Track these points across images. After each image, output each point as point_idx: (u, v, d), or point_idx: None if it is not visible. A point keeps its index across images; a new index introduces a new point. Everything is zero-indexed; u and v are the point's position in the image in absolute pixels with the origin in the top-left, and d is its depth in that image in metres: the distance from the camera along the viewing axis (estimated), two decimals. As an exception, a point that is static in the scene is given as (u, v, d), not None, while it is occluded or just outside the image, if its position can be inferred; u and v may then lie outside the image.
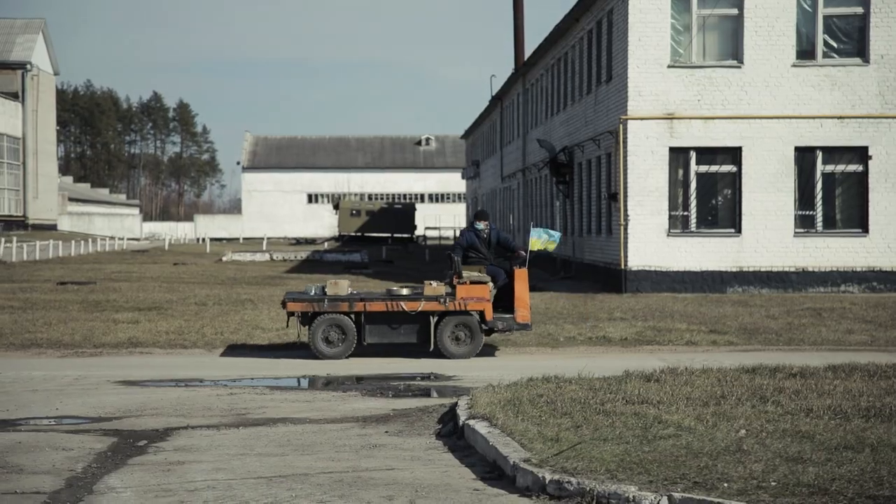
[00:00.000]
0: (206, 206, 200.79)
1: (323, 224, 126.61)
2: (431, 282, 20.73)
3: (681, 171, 34.45)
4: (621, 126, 34.39)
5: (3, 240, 66.08)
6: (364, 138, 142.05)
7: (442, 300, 20.07)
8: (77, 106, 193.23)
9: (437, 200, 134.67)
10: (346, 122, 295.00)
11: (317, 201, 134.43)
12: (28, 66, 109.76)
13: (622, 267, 34.31)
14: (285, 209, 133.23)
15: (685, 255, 34.16)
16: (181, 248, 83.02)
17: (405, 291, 20.56)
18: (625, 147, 34.29)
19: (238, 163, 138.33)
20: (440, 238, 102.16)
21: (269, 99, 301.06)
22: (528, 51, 59.73)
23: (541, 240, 20.69)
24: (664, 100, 34.06)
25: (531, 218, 55.65)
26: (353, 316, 20.13)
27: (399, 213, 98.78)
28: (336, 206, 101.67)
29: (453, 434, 12.62)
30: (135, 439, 12.51)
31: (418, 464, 11.26)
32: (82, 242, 74.47)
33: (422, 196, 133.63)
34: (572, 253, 43.57)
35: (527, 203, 57.32)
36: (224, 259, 61.54)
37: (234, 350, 21.57)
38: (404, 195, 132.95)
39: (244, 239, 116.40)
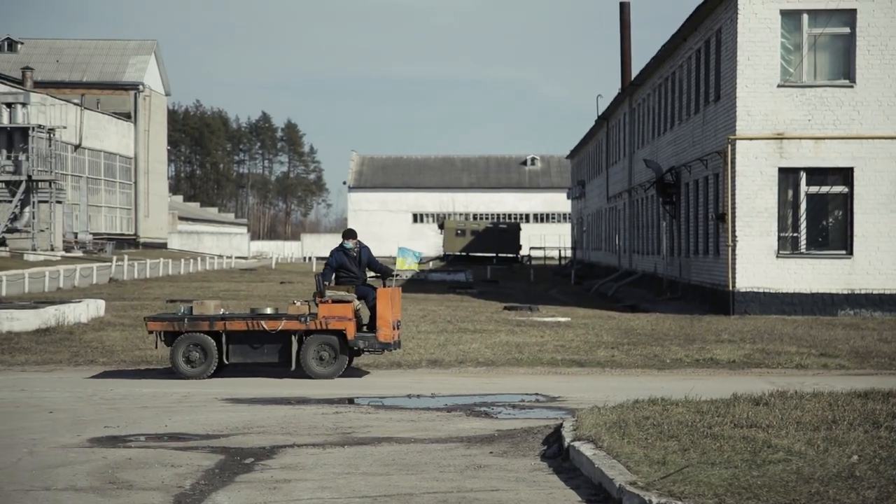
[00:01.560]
0: (313, 225, 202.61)
1: (428, 243, 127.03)
2: (296, 301, 20.75)
3: (790, 192, 33.96)
4: (729, 146, 34.02)
5: (115, 258, 67.24)
6: (469, 158, 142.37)
7: (303, 319, 19.95)
8: (187, 126, 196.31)
9: (542, 220, 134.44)
10: (451, 141, 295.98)
11: (422, 221, 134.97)
12: (140, 87, 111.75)
13: (730, 288, 33.90)
14: (391, 228, 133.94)
15: (795, 276, 33.66)
16: (288, 267, 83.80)
17: (269, 311, 20.47)
18: (733, 167, 33.91)
19: (344, 182, 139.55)
20: (545, 258, 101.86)
21: (376, 118, 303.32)
22: (635, 70, 59.50)
23: (406, 260, 20.67)
24: (773, 120, 33.64)
25: (638, 238, 55.27)
26: (215, 336, 20.05)
27: (504, 232, 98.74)
28: (441, 226, 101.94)
29: (558, 455, 12.53)
30: (242, 457, 12.60)
31: (523, 485, 11.19)
32: (191, 261, 75.52)
33: (527, 216, 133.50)
34: (678, 274, 43.17)
35: (633, 223, 56.94)
36: (330, 278, 61.86)
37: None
38: (509, 215, 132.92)
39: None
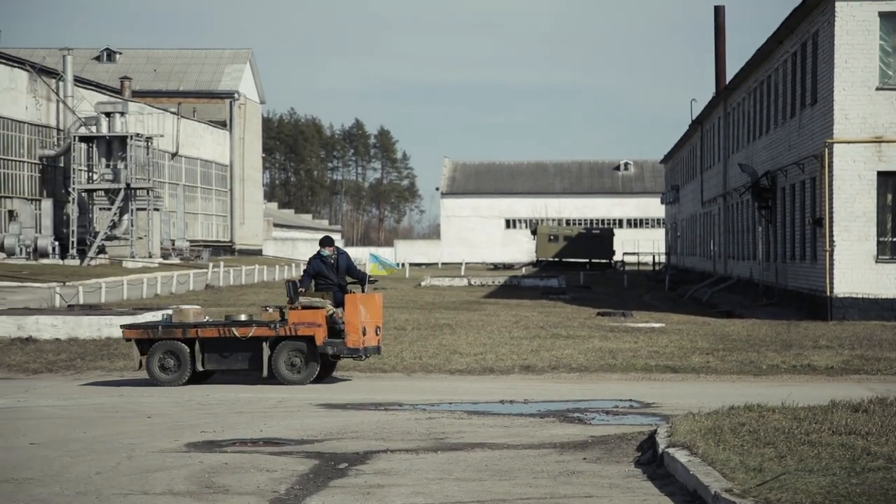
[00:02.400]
0: (406, 232, 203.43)
1: (521, 249, 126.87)
2: (269, 307, 20.73)
3: (890, 196, 33.43)
4: (826, 150, 33.57)
5: (211, 264, 68.02)
6: (562, 163, 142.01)
7: (273, 326, 19.99)
8: (282, 133, 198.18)
9: (635, 226, 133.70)
10: (544, 146, 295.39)
11: (514, 226, 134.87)
12: (235, 96, 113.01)
13: (827, 294, 33.44)
14: (483, 234, 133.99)
15: (895, 282, 33.11)
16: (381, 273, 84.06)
17: (243, 317, 20.61)
18: (830, 171, 33.46)
19: (437, 188, 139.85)
20: (639, 264, 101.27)
21: (468, 124, 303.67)
22: (730, 74, 58.92)
23: (379, 266, 20.63)
24: (872, 123, 33.13)
25: (733, 243, 54.74)
26: (189, 343, 20.17)
27: (597, 238, 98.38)
28: (534, 232, 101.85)
29: (652, 462, 12.44)
30: (336, 462, 12.67)
31: (617, 491, 11.12)
32: (286, 267, 76.16)
33: (620, 221, 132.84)
34: (775, 279, 42.67)
35: (727, 228, 56.40)
36: (423, 284, 62.17)
37: (430, 375, 21.74)
38: (602, 220, 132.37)
39: (443, 264, 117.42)
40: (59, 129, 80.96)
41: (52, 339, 26.61)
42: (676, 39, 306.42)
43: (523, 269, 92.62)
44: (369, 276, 20.97)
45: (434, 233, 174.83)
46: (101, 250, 76.62)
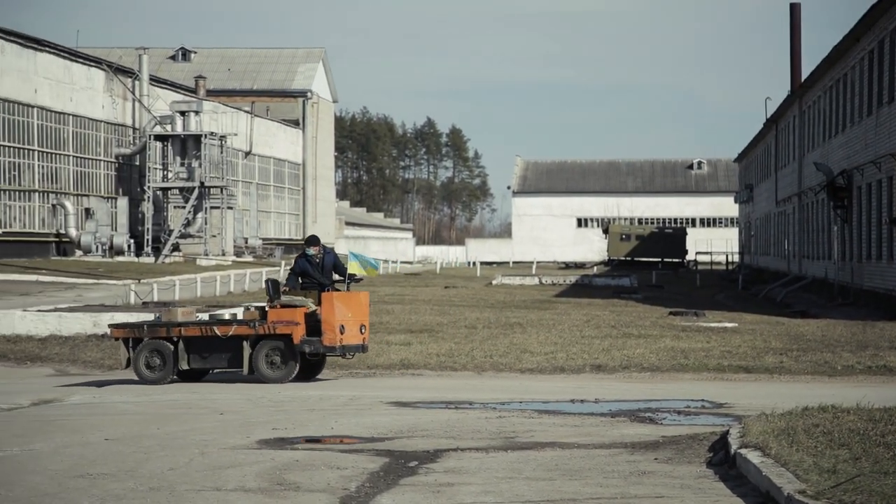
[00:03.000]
0: (477, 230, 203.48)
1: (592, 248, 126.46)
2: (251, 306, 20.87)
3: (968, 195, 32.92)
4: (903, 148, 33.12)
5: (283, 262, 68.45)
6: (634, 162, 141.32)
7: (252, 324, 20.11)
8: (354, 132, 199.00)
9: (708, 225, 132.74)
10: (616, 145, 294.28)
11: (586, 225, 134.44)
12: (308, 94, 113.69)
13: (904, 294, 32.98)
14: (554, 233, 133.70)
15: (972, 282, 32.64)
16: (452, 272, 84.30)
17: (226, 316, 20.86)
18: (907, 170, 32.99)
19: (508, 187, 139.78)
20: (712, 263, 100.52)
21: (539, 123, 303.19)
22: (805, 72, 58.31)
23: (360, 264, 20.56)
24: (950, 120, 32.65)
25: (808, 243, 54.19)
26: (173, 341, 20.36)
27: (669, 237, 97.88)
28: (605, 231, 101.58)
29: (724, 463, 12.33)
30: (406, 460, 12.69)
31: (688, 492, 11.04)
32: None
33: (693, 220, 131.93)
34: (850, 279, 42.17)
35: (802, 228, 55.83)
36: (494, 283, 62.14)
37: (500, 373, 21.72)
38: (675, 219, 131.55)
39: (514, 263, 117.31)
40: (134, 128, 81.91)
41: (127, 336, 26.85)
42: (751, 37, 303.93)
43: (595, 268, 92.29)
44: (355, 276, 20.94)
45: (505, 231, 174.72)
46: (175, 248, 77.40)
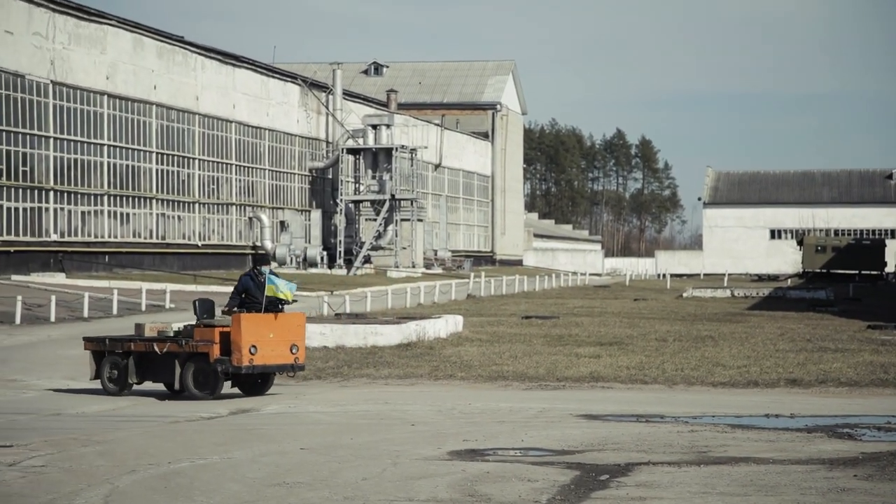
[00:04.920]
0: (667, 242, 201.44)
1: (786, 260, 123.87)
2: (188, 325, 20.90)
3: None
4: None
5: (472, 274, 68.86)
6: (830, 172, 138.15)
7: (181, 342, 20.25)
8: (542, 144, 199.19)
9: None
10: (810, 155, 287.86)
11: (779, 237, 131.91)
12: (498, 107, 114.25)
13: None
14: (747, 245, 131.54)
15: None
16: (641, 284, 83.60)
17: (171, 332, 20.90)
18: None
19: (699, 198, 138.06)
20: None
21: (731, 133, 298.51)
22: None
23: (276, 287, 19.91)
24: None
25: None
26: (126, 356, 20.71)
27: (867, 249, 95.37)
28: (800, 242, 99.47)
29: (928, 482, 11.95)
30: (597, 473, 12.61)
31: (889, 512, 10.73)
32: (546, 277, 76.41)
33: (892, 232, 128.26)
34: None
35: None
36: (684, 295, 61.43)
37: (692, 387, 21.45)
38: (872, 231, 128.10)
39: (704, 275, 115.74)
40: (327, 142, 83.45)
41: (320, 347, 27.38)
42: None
43: (789, 280, 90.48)
44: (266, 297, 20.52)
45: (695, 243, 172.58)
46: (367, 260, 78.57)
